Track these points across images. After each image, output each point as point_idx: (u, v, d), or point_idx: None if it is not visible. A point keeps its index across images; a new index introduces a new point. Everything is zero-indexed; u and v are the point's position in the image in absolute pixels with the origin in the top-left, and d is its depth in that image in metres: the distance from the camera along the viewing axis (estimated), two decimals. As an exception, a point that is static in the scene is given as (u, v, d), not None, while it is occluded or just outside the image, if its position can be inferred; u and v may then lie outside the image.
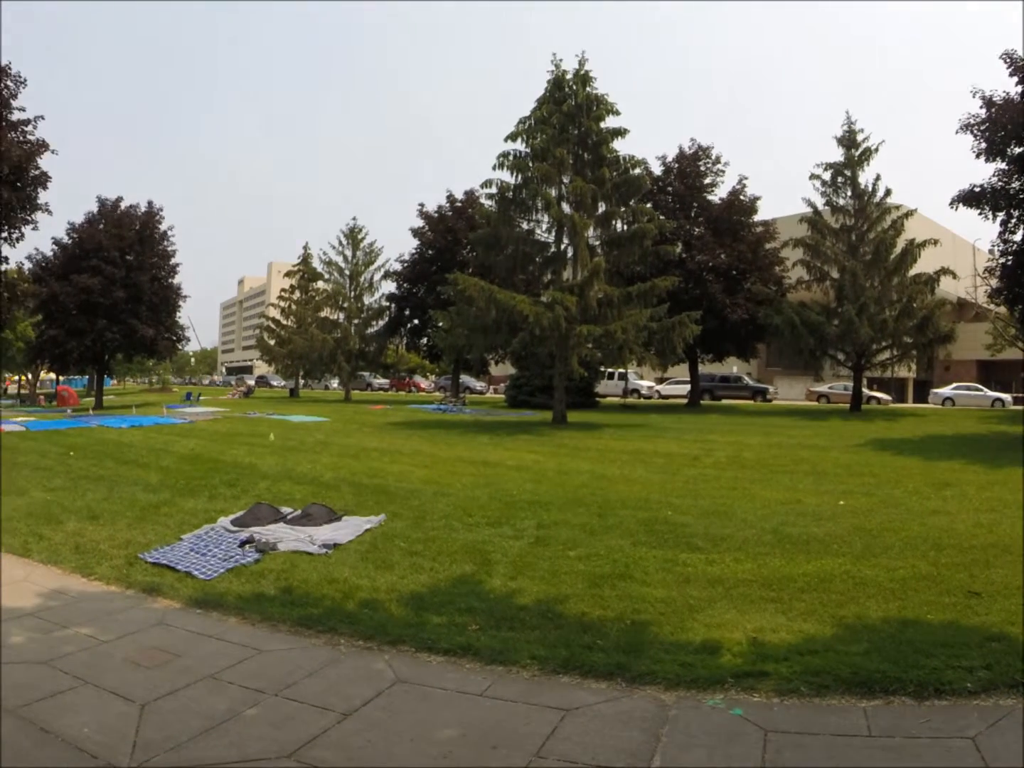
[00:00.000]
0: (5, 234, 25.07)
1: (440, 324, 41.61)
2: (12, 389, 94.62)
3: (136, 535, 12.33)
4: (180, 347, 61.43)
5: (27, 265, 52.41)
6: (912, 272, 41.23)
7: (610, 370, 52.31)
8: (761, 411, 42.67)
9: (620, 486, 15.94)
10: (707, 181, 45.81)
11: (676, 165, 46.00)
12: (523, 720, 5.73)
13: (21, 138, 24.42)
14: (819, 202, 43.57)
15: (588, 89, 33.32)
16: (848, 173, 42.81)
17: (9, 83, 24.43)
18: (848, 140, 42.59)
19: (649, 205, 37.86)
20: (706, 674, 6.30)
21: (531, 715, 5.80)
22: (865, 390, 46.86)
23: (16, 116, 24.68)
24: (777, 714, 5.66)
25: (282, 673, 6.61)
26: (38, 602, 9.05)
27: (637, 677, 6.34)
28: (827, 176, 43.23)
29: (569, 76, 33.58)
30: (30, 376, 78.13)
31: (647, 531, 11.61)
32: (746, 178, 46.22)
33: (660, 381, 62.06)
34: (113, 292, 48.18)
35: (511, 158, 33.13)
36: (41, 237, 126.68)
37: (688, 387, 50.57)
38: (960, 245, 64.74)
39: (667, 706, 5.84)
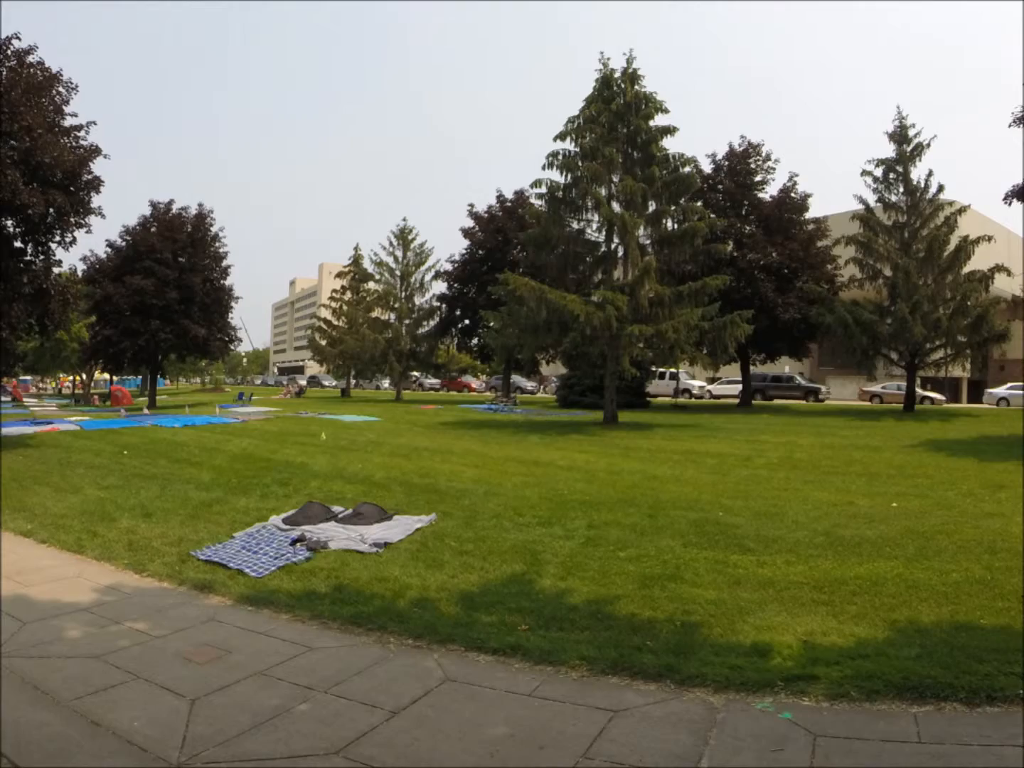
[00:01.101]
0: (59, 238, 25.51)
1: (491, 324, 41.69)
2: (67, 389, 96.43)
3: (188, 533, 12.54)
4: (232, 347, 62.05)
5: (81, 267, 53.39)
6: (966, 269, 40.46)
7: (661, 370, 52.08)
8: (813, 411, 42.23)
9: (671, 486, 15.90)
10: (757, 178, 45.41)
11: (726, 163, 45.62)
12: (571, 721, 5.74)
13: (74, 144, 24.83)
14: (871, 199, 42.95)
15: (636, 87, 33.16)
16: (900, 169, 42.12)
17: (61, 89, 24.88)
18: (899, 136, 41.93)
19: (699, 203, 37.65)
20: (756, 677, 6.28)
21: (579, 716, 5.81)
22: (918, 390, 46.13)
23: (68, 122, 25.12)
24: (826, 719, 5.62)
25: (331, 670, 6.69)
26: (92, 598, 9.25)
27: (686, 679, 6.33)
28: (878, 172, 42.57)
29: (617, 74, 33.48)
30: (84, 376, 79.26)
31: (698, 532, 11.59)
32: (797, 175, 45.81)
33: (711, 381, 61.64)
34: (166, 293, 48.85)
35: (560, 157, 33.09)
36: (95, 240, 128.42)
37: (740, 387, 50.17)
38: (1014, 241, 63.46)
39: (716, 709, 5.83)
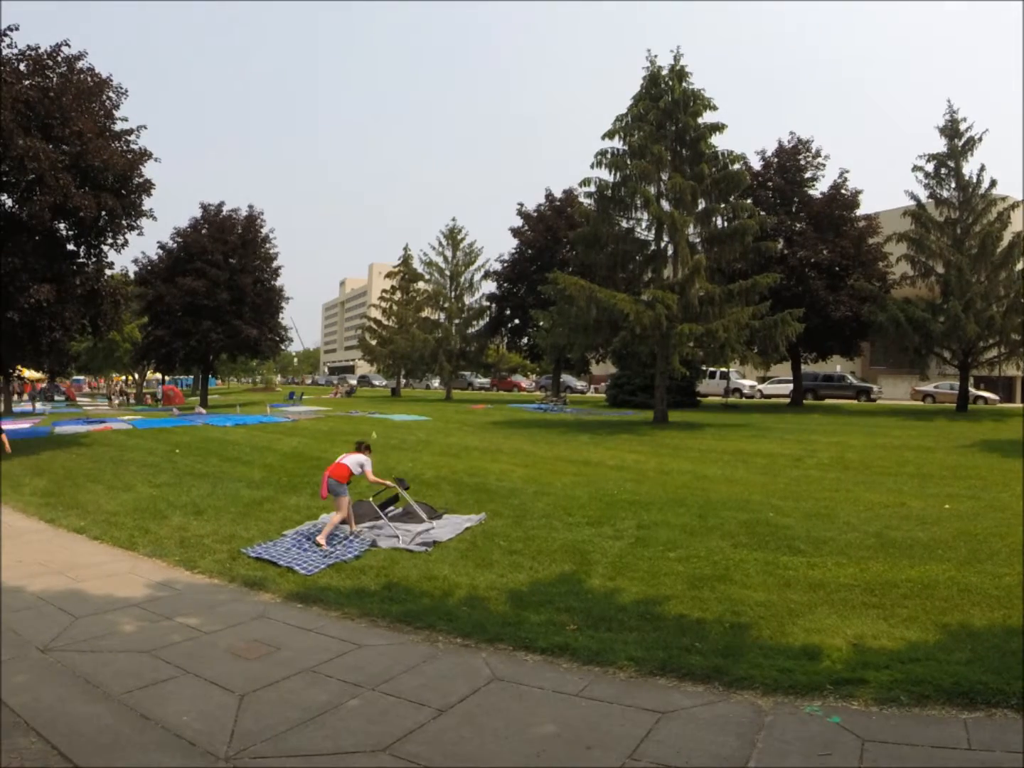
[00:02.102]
0: (111, 240, 26.01)
1: (541, 323, 41.74)
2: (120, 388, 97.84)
3: (239, 530, 12.77)
4: (283, 347, 62.71)
5: (133, 269, 54.29)
6: (1020, 266, 39.65)
7: (711, 369, 51.75)
8: (865, 411, 41.74)
9: (721, 487, 15.88)
10: (807, 175, 44.80)
11: (775, 159, 45.09)
12: (618, 721, 5.78)
13: (124, 147, 25.30)
14: (922, 195, 42.27)
15: (684, 84, 32.99)
16: (951, 164, 41.44)
17: (111, 94, 25.38)
18: (951, 130, 41.19)
19: (749, 201, 37.34)
20: (804, 680, 6.27)
21: (626, 717, 5.84)
22: (972, 389, 45.32)
23: (119, 126, 25.60)
24: (875, 723, 5.60)
25: (380, 668, 6.78)
26: (143, 593, 9.49)
27: (735, 681, 6.35)
28: (930, 168, 41.88)
29: (664, 72, 33.31)
30: (136, 376, 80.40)
31: (748, 533, 11.60)
32: (847, 171, 45.07)
33: (762, 380, 61.06)
34: (217, 294, 49.47)
35: (609, 156, 32.99)
36: (146, 242, 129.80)
37: (791, 386, 49.66)
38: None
39: (764, 712, 5.84)
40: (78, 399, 74.49)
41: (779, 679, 6.30)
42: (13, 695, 6.39)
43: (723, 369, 51.80)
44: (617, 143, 33.24)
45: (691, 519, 12.65)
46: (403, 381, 75.44)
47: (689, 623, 7.85)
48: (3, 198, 23.89)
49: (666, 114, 32.81)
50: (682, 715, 5.84)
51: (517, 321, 60.75)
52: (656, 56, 33.56)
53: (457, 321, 64.84)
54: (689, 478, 17.07)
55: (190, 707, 6.15)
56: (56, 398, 70.25)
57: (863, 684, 6.15)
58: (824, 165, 45.09)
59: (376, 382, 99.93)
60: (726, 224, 33.09)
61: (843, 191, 44.44)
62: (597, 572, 9.85)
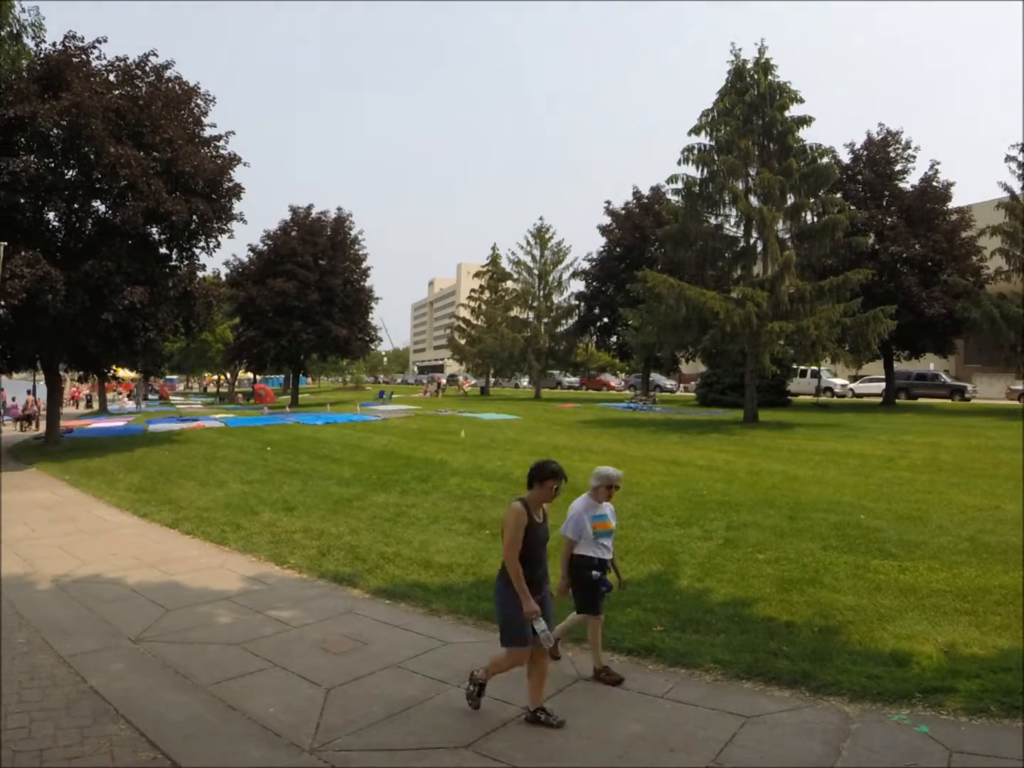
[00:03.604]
0: (202, 243, 26.85)
1: (630, 322, 41.52)
2: (212, 388, 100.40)
3: (329, 527, 13.07)
4: (373, 347, 63.68)
5: (224, 271, 55.71)
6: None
7: (802, 368, 50.97)
8: (959, 410, 40.62)
9: (812, 488, 15.72)
10: (897, 168, 43.83)
11: (864, 152, 44.21)
12: (702, 724, 5.80)
13: (214, 153, 26.05)
14: (1016, 186, 40.99)
15: (770, 77, 32.65)
16: (1044, 153, 40.11)
17: (199, 101, 26.21)
18: (1042, 118, 39.87)
19: (839, 195, 36.78)
20: (893, 687, 6.21)
21: (711, 720, 5.87)
22: (1071, 388, 43.98)
23: (208, 132, 26.41)
24: (964, 734, 5.53)
25: (465, 665, 6.86)
26: (235, 587, 9.81)
27: (821, 687, 6.32)
28: (1023, 158, 40.69)
29: (750, 65, 33.02)
30: (228, 375, 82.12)
31: (839, 535, 11.49)
32: (938, 163, 44.05)
33: (854, 379, 59.88)
34: (307, 295, 50.51)
35: (695, 152, 32.88)
36: (237, 244, 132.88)
37: (883, 385, 48.67)
38: None
39: (850, 719, 5.80)
40: (171, 398, 76.53)
41: (867, 686, 6.25)
42: (103, 683, 6.67)
43: (814, 368, 50.97)
44: (704, 139, 33.16)
45: (781, 520, 12.58)
46: (492, 380, 75.74)
47: (777, 626, 7.84)
48: (97, 204, 24.83)
49: (752, 108, 32.56)
50: (767, 720, 5.84)
51: (606, 320, 60.71)
52: (740, 49, 33.30)
53: (546, 320, 65.01)
54: (779, 479, 16.93)
55: (277, 699, 6.36)
56: (150, 397, 72.35)
57: (952, 693, 6.06)
58: (914, 157, 44.07)
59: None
60: (816, 219, 32.73)
61: (934, 183, 43.42)
62: (685, 573, 9.88)
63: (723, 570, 9.92)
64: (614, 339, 62.13)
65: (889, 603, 8.39)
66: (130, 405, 61.00)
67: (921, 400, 49.28)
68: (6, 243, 17.92)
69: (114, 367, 31.64)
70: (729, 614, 8.23)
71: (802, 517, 12.77)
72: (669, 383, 74.79)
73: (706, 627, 7.88)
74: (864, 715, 5.87)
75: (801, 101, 32.65)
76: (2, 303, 19.34)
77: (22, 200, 22.07)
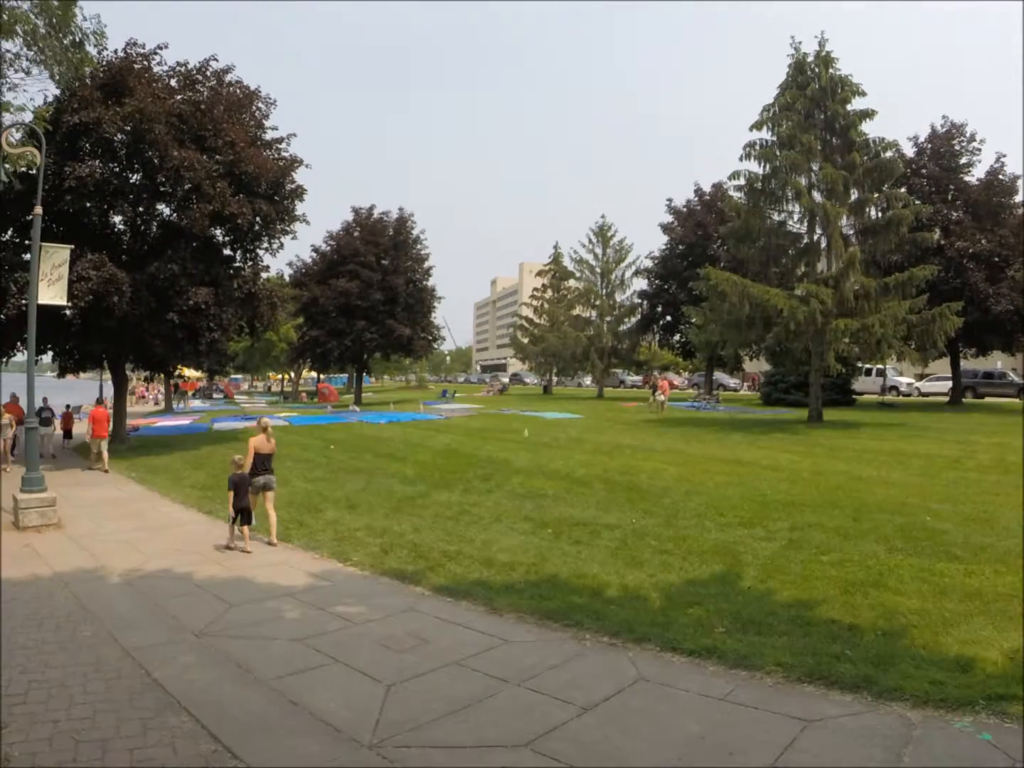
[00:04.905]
0: (266, 244, 27.35)
1: (693, 320, 41.33)
2: (276, 387, 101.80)
3: (392, 525, 13.26)
4: (436, 346, 64.10)
5: (288, 272, 56.49)
6: None
7: (867, 366, 50.27)
8: (1027, 410, 39.86)
9: (877, 488, 15.57)
10: (962, 161, 43.01)
11: (928, 145, 43.37)
12: (762, 728, 5.80)
13: (276, 155, 26.50)
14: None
15: (831, 71, 32.19)
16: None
17: (260, 105, 26.69)
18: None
19: (903, 189, 36.20)
20: (956, 694, 6.14)
21: (771, 724, 5.86)
22: None
23: (270, 135, 26.89)
24: (1029, 742, 5.45)
25: (526, 664, 6.99)
26: (297, 584, 10.04)
27: (884, 692, 6.27)
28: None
29: (810, 59, 32.60)
30: (293, 375, 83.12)
31: (903, 537, 11.40)
32: (1004, 155, 42.98)
33: (920, 377, 58.87)
34: (370, 295, 51.05)
35: (757, 148, 32.55)
36: (300, 245, 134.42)
37: (949, 384, 47.84)
38: None
39: (912, 725, 5.76)
40: (235, 396, 77.70)
41: (930, 691, 6.19)
42: (167, 676, 6.87)
43: (879, 366, 50.27)
44: (765, 134, 32.81)
45: (845, 522, 12.50)
46: (555, 379, 75.78)
47: (840, 629, 7.82)
48: (161, 207, 25.37)
49: (814, 102, 32.14)
50: (828, 724, 5.81)
51: (669, 318, 60.44)
52: (800, 43, 32.93)
53: (608, 318, 64.87)
54: (844, 479, 16.77)
55: (338, 695, 6.50)
56: (215, 396, 73.59)
57: (1017, 700, 5.98)
58: (980, 150, 43.00)
59: (528, 380, 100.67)
60: (880, 215, 32.19)
61: (1000, 176, 42.46)
62: (748, 574, 9.89)
63: (786, 571, 9.91)
64: (677, 337, 61.82)
65: (954, 607, 8.31)
66: (195, 404, 62.12)
67: (988, 399, 48.31)
68: (73, 246, 18.39)
69: (179, 367, 32.31)
70: (791, 616, 8.23)
71: (866, 518, 12.69)
72: (733, 382, 74.21)
73: (768, 629, 7.89)
74: (926, 721, 5.82)
75: (863, 94, 32.11)
76: (70, 305, 19.83)
77: (88, 204, 22.57)
